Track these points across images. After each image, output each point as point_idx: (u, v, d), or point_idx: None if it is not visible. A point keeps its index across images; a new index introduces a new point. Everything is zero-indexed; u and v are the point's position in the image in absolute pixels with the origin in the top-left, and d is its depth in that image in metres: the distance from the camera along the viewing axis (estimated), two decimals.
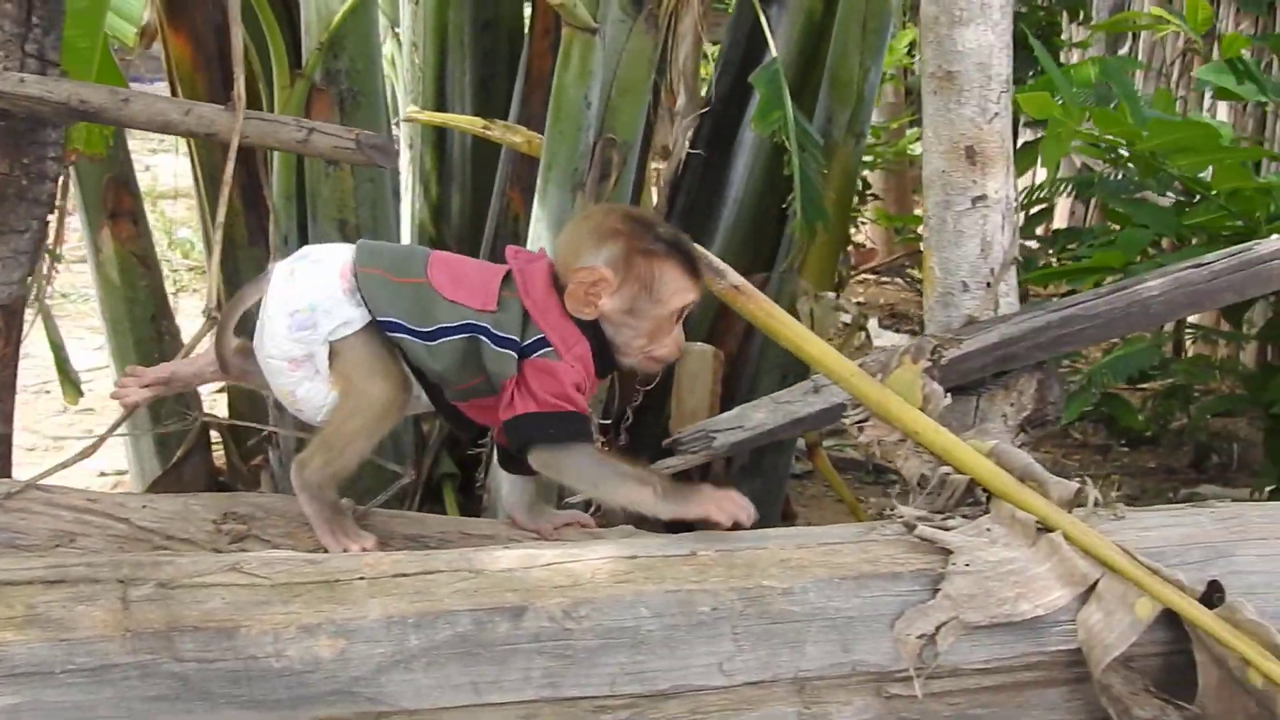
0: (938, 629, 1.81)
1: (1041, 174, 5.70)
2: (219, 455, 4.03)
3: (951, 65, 2.39)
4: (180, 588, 1.72)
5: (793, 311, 3.14)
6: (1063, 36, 6.95)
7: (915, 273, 7.62)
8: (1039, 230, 5.05)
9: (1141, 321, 2.46)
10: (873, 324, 2.90)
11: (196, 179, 3.95)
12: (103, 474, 4.56)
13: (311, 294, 2.00)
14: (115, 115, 2.49)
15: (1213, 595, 1.84)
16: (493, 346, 1.98)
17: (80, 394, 3.78)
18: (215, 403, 4.46)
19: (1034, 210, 4.82)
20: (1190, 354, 5.59)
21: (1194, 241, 3.62)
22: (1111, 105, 3.92)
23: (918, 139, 5.90)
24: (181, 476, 3.79)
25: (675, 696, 1.77)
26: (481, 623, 1.73)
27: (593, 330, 2.04)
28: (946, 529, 1.95)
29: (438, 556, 1.83)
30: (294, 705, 1.67)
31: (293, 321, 2.00)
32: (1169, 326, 5.32)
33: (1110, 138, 3.62)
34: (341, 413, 2.03)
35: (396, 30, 5.03)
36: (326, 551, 1.96)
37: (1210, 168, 3.56)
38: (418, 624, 1.72)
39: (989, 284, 2.45)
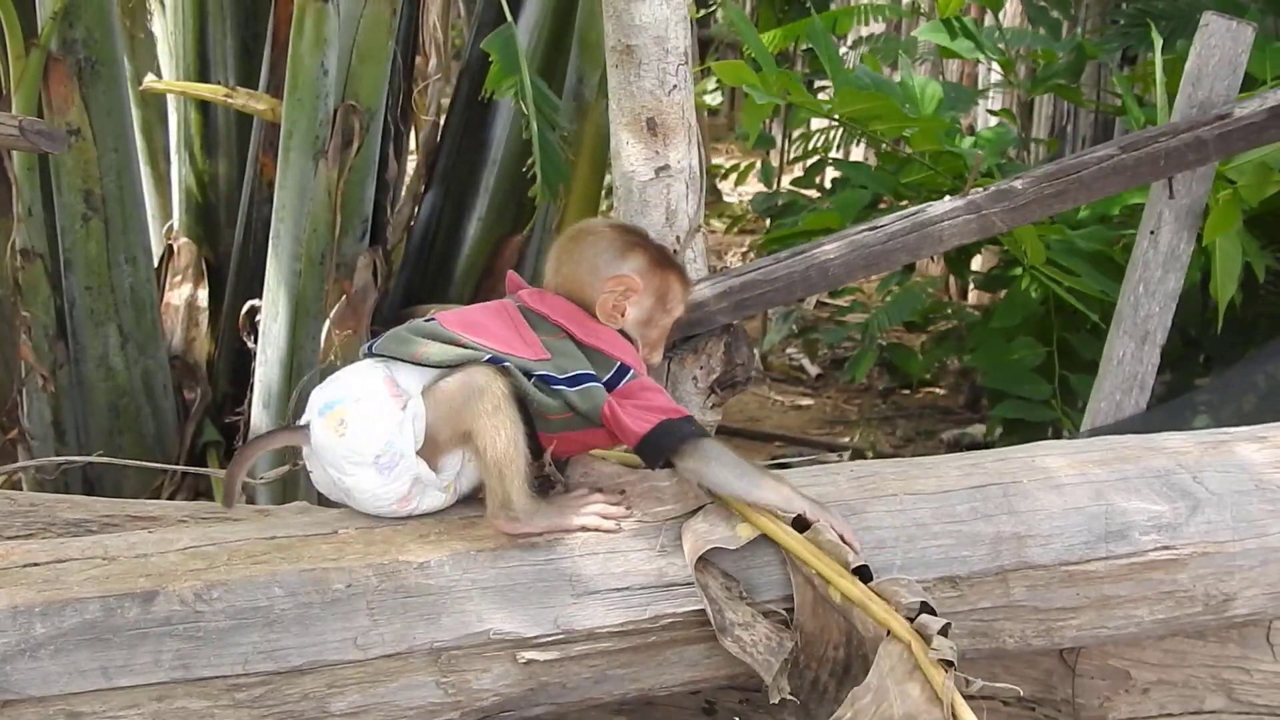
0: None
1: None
2: None
3: (630, 39, 2.43)
4: None
5: None
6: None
7: None
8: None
9: (821, 284, 2.54)
10: None
11: None
12: None
13: (378, 434, 1.90)
14: None
15: (803, 523, 1.94)
16: (568, 389, 1.96)
17: None
18: None
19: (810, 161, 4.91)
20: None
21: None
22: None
23: (703, 92, 5.95)
24: None
25: (310, 672, 1.81)
26: (111, 609, 1.76)
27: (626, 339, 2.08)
28: None
29: (71, 544, 1.85)
30: None
31: (378, 466, 1.91)
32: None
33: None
34: (476, 448, 1.92)
35: None
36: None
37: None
38: (44, 612, 1.73)
39: (675, 251, 2.51)
